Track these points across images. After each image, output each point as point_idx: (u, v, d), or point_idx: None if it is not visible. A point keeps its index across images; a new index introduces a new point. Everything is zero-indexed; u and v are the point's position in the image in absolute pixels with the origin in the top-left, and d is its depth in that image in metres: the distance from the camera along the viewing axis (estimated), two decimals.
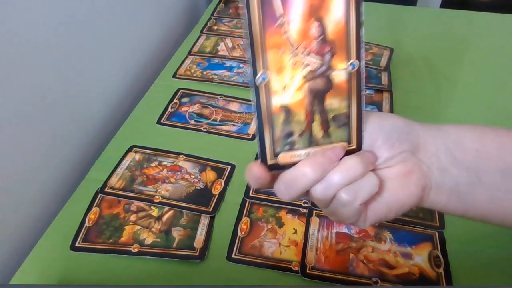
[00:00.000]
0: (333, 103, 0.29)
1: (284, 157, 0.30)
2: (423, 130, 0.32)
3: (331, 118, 0.30)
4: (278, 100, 0.28)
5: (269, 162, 0.30)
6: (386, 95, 0.72)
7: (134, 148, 0.62)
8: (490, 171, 0.31)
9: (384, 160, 0.31)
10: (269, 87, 0.28)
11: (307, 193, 0.30)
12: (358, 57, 0.28)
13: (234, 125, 0.67)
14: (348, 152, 0.30)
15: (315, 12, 0.27)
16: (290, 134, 0.29)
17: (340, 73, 0.29)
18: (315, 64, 0.28)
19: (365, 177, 0.30)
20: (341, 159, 0.30)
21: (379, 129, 0.31)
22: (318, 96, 0.29)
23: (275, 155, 0.30)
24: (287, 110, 0.29)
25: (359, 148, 0.31)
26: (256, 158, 0.30)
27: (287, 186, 0.29)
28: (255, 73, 0.27)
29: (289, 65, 0.28)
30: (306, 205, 0.53)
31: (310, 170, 0.29)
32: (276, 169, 0.30)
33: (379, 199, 0.32)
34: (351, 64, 0.28)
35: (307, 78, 0.28)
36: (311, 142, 0.30)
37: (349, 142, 0.30)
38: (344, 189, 0.29)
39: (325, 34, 0.27)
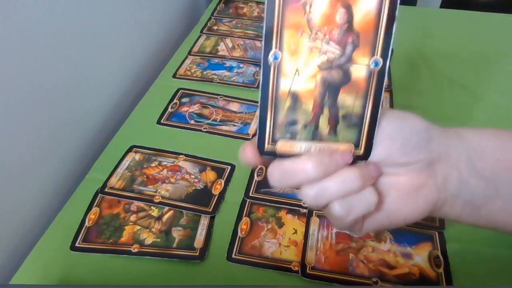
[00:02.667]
0: (347, 99, 0.27)
1: (283, 145, 0.28)
2: (445, 136, 0.30)
3: (342, 115, 0.27)
4: (287, 84, 0.26)
5: (266, 147, 0.28)
6: (386, 95, 0.72)
7: (134, 148, 0.62)
8: (508, 181, 0.30)
9: (396, 166, 0.29)
10: (280, 68, 0.26)
11: (298, 187, 0.28)
12: (384, 55, 0.26)
13: (234, 125, 0.67)
14: (354, 157, 0.28)
15: None
16: (293, 123, 0.27)
17: (360, 68, 0.26)
18: (333, 54, 0.26)
19: (363, 192, 0.28)
20: None
21: (399, 130, 0.28)
22: (331, 89, 0.27)
23: (274, 140, 0.28)
24: (294, 97, 0.27)
25: (366, 155, 0.28)
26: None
27: (282, 175, 0.28)
28: (267, 50, 0.25)
29: (305, 49, 0.26)
30: (306, 205, 0.53)
31: (312, 168, 0.27)
32: (272, 155, 0.28)
33: (380, 209, 0.30)
34: (374, 61, 0.26)
35: (323, 67, 0.26)
36: (315, 136, 0.28)
37: (356, 145, 0.28)
38: (338, 202, 0.28)
39: (351, 23, 0.25)
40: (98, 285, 0.46)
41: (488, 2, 1.34)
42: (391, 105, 0.70)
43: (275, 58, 0.26)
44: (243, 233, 0.51)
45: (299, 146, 0.28)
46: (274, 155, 0.28)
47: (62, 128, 0.59)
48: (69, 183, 0.61)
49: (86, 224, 0.52)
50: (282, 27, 0.25)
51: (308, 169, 0.27)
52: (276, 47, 0.25)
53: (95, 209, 0.53)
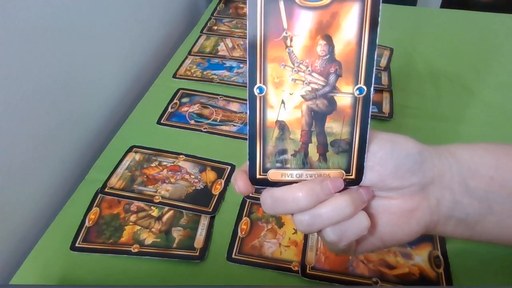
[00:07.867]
0: (334, 127, 0.27)
1: (274, 174, 0.28)
2: (438, 158, 0.30)
3: (330, 143, 0.28)
4: (273, 115, 0.27)
5: (258, 177, 0.28)
6: (386, 95, 0.72)
7: (134, 148, 0.62)
8: (501, 198, 0.30)
9: (389, 190, 0.29)
10: (266, 100, 0.26)
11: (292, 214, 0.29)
12: (368, 82, 0.26)
13: (234, 125, 0.67)
14: (346, 182, 0.28)
15: (323, 30, 0.25)
16: (283, 152, 0.28)
17: (345, 97, 0.27)
18: (317, 85, 0.26)
19: (356, 217, 0.28)
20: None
21: (391, 155, 0.28)
22: (317, 117, 0.27)
23: (265, 170, 0.28)
24: (282, 127, 0.27)
25: (358, 180, 0.29)
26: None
27: (274, 203, 0.28)
28: (252, 84, 0.26)
29: (289, 81, 0.26)
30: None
31: (303, 197, 0.27)
32: (264, 184, 0.29)
33: (373, 233, 0.30)
34: (358, 88, 0.26)
35: (307, 97, 0.27)
36: (305, 164, 0.28)
37: (347, 171, 0.28)
38: (330, 228, 0.28)
39: (332, 54, 0.26)
40: (98, 285, 0.46)
41: (488, 2, 1.34)
42: (391, 105, 0.70)
43: (260, 91, 0.26)
44: (243, 233, 0.51)
45: (290, 174, 0.28)
46: (266, 184, 0.29)
47: (62, 128, 0.59)
48: (69, 183, 0.61)
49: (86, 224, 0.52)
50: (264, 62, 0.26)
51: (299, 198, 0.27)
52: (260, 81, 0.26)
53: (95, 209, 0.53)
